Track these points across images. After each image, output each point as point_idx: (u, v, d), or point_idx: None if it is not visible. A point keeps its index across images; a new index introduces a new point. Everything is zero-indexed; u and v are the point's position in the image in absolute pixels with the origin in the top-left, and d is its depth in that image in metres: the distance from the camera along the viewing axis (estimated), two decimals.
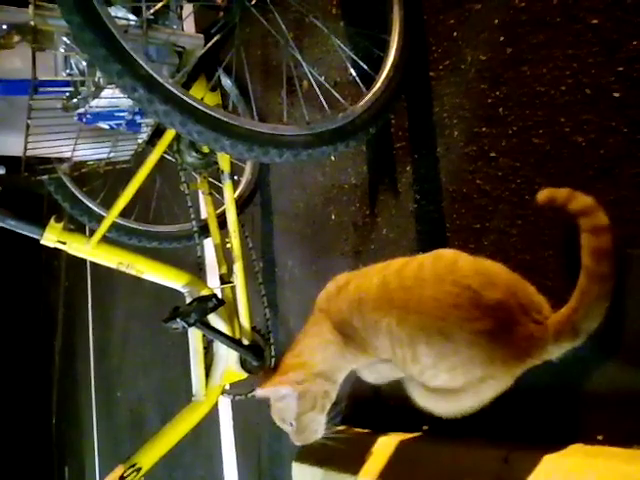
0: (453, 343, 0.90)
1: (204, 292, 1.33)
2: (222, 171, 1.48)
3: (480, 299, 0.90)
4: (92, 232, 1.32)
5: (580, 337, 0.89)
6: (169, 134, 1.36)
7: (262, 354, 1.43)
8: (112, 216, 1.32)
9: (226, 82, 1.66)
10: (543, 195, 0.95)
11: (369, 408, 1.46)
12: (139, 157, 1.54)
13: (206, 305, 1.24)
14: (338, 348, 1.03)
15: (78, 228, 1.37)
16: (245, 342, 1.41)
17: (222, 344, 1.37)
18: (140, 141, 1.47)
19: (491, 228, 1.17)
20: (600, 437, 0.95)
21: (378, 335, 0.98)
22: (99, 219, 1.52)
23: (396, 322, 0.95)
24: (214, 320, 1.35)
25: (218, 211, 1.61)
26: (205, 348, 1.43)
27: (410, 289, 0.96)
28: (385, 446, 1.26)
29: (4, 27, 1.05)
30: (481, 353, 0.89)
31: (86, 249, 1.26)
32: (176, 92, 0.95)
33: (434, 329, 0.91)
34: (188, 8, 1.27)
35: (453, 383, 0.94)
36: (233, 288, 1.44)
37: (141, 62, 0.91)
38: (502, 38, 1.10)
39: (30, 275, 6.61)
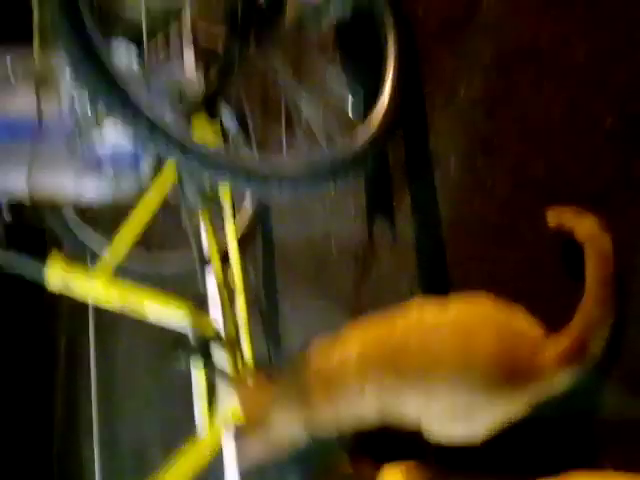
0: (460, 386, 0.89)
1: (206, 325, 1.33)
2: (223, 206, 1.50)
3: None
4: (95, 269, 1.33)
5: (586, 361, 0.87)
6: (171, 170, 1.39)
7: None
8: (115, 253, 1.34)
9: (226, 116, 1.70)
10: (551, 217, 0.96)
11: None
12: (142, 193, 1.56)
13: (208, 341, 1.24)
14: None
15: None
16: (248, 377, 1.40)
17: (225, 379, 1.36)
18: (143, 179, 1.49)
19: (491, 256, 1.18)
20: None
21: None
22: (101, 256, 1.54)
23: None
24: (217, 355, 1.35)
25: (220, 245, 1.62)
26: (209, 384, 1.42)
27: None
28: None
29: (8, 65, 1.07)
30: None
31: (91, 285, 1.26)
32: (177, 129, 0.97)
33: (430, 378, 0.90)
34: (189, 45, 1.31)
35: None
36: (235, 323, 1.44)
37: (142, 100, 0.94)
38: (494, 71, 1.13)
39: (31, 310, 6.59)
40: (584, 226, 0.91)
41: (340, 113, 1.42)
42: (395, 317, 1.03)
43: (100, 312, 4.50)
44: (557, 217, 0.95)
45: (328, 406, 1.01)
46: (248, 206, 1.90)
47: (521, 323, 0.94)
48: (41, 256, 1.34)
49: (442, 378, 0.89)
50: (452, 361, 0.89)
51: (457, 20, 1.20)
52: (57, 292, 1.32)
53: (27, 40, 0.99)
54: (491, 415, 0.90)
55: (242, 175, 1.01)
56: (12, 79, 1.09)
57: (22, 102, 1.11)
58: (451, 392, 0.88)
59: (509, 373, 0.88)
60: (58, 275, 1.24)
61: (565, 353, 0.87)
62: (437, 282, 1.33)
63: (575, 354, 0.87)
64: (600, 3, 0.93)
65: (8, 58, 1.02)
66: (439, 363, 0.90)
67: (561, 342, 0.89)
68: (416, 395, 0.91)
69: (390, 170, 1.44)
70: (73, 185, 1.37)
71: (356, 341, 1.03)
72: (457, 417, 0.91)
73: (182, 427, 2.63)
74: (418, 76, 1.31)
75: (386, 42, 1.29)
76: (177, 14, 1.17)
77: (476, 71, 1.17)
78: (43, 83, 1.04)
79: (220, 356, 1.36)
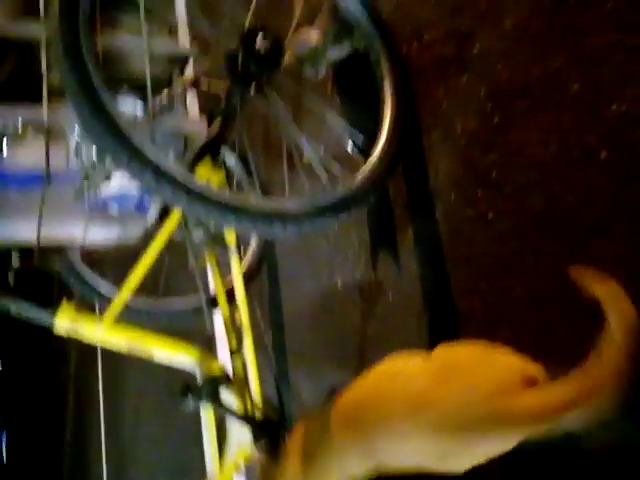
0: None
1: (214, 368, 1.33)
2: (229, 245, 1.52)
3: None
4: (102, 313, 1.34)
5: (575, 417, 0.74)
6: (176, 213, 1.41)
7: (275, 429, 1.41)
8: (123, 296, 1.35)
9: (230, 159, 1.73)
10: (574, 276, 0.84)
11: None
12: (148, 236, 1.58)
13: (216, 381, 1.24)
14: None
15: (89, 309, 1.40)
16: (257, 418, 1.40)
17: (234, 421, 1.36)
18: (149, 221, 1.51)
19: (496, 289, 1.18)
20: None
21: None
22: (110, 300, 1.55)
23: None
24: (225, 396, 1.35)
25: (226, 283, 1.63)
26: (218, 425, 1.41)
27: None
28: None
29: (19, 124, 1.12)
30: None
31: (99, 331, 1.27)
32: (182, 175, 1.00)
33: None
34: (192, 94, 1.35)
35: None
36: (243, 362, 1.44)
37: (148, 149, 0.97)
38: (489, 107, 1.16)
39: (40, 350, 6.57)
40: (606, 292, 0.79)
41: (341, 151, 1.45)
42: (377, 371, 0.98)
43: (109, 352, 4.49)
44: (578, 279, 0.83)
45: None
46: (253, 244, 1.92)
47: (501, 369, 0.83)
48: (49, 300, 1.35)
49: (412, 427, 0.80)
50: (415, 411, 0.81)
51: (451, 59, 1.24)
52: (65, 336, 1.33)
53: (37, 98, 1.02)
54: (470, 457, 0.80)
55: (247, 218, 1.03)
56: (22, 132, 1.13)
57: (32, 154, 1.14)
58: (421, 440, 0.82)
59: (477, 420, 0.77)
60: (66, 321, 1.26)
61: (542, 409, 0.75)
62: (443, 314, 1.34)
63: (555, 412, 0.74)
64: (587, 40, 0.96)
65: (19, 113, 1.05)
66: (411, 412, 0.81)
67: (543, 395, 0.77)
68: (391, 448, 0.86)
69: (392, 205, 1.46)
70: (81, 230, 1.39)
71: (336, 409, 0.98)
72: (440, 458, 0.84)
73: (192, 469, 2.60)
74: (415, 113, 1.35)
75: (382, 81, 1.33)
76: (180, 64, 1.21)
77: (471, 107, 1.20)
78: (52, 136, 1.08)
79: (229, 397, 1.36)
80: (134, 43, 1.09)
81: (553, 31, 1.01)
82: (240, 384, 1.42)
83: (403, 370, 0.92)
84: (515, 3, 1.08)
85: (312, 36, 1.30)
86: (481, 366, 0.85)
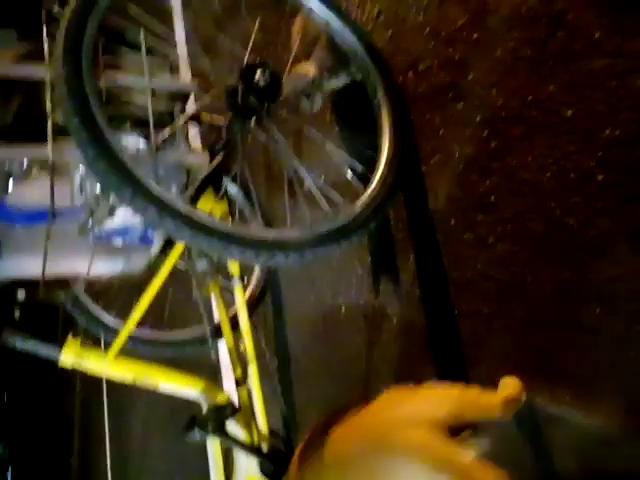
0: None
1: (220, 399, 1.33)
2: (232, 275, 1.53)
3: None
4: (107, 346, 1.35)
5: None
6: (180, 244, 1.43)
7: (283, 459, 1.40)
8: (128, 328, 1.36)
9: (232, 190, 1.75)
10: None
11: None
12: (152, 267, 1.59)
13: (222, 413, 1.24)
14: None
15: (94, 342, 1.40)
16: (264, 448, 1.39)
17: (241, 452, 1.35)
18: (153, 253, 1.53)
19: (498, 312, 1.19)
20: None
21: None
22: (115, 332, 1.55)
23: None
24: (231, 427, 1.34)
25: (231, 313, 1.63)
26: (225, 456, 1.40)
27: None
28: None
29: (25, 162, 1.14)
30: None
31: (104, 364, 1.28)
32: (185, 209, 1.01)
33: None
34: (194, 128, 1.37)
35: None
36: (249, 391, 1.44)
37: (151, 184, 0.98)
38: (485, 133, 1.18)
39: (45, 381, 6.54)
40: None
41: (341, 179, 1.47)
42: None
43: (114, 383, 4.47)
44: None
45: None
46: (257, 272, 1.93)
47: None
48: (55, 331, 1.36)
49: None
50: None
51: (446, 87, 1.26)
52: (70, 369, 1.33)
53: (42, 136, 1.05)
54: None
55: (249, 249, 1.04)
56: (28, 170, 1.15)
57: (37, 191, 1.16)
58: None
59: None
60: (71, 356, 1.26)
61: None
62: (446, 338, 1.34)
63: None
64: (578, 67, 0.98)
65: (24, 153, 1.08)
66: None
67: None
68: None
69: (393, 231, 1.47)
70: (85, 264, 1.41)
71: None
72: None
73: None
74: (413, 140, 1.37)
75: (380, 110, 1.35)
76: (182, 100, 1.24)
77: (468, 133, 1.22)
78: (57, 173, 1.10)
79: (235, 428, 1.35)
80: (137, 81, 1.12)
81: (544, 58, 1.04)
82: (246, 414, 1.41)
83: None
84: (506, 32, 1.10)
85: (309, 71, 1.33)
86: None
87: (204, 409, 1.32)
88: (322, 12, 1.36)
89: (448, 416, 0.59)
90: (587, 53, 0.95)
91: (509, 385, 0.61)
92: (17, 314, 1.50)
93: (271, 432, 1.44)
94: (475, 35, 1.16)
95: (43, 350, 1.28)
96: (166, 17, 1.44)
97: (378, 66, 1.34)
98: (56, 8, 1.11)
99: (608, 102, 0.94)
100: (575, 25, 0.98)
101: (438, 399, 0.63)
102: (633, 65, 0.90)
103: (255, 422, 1.41)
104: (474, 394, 0.58)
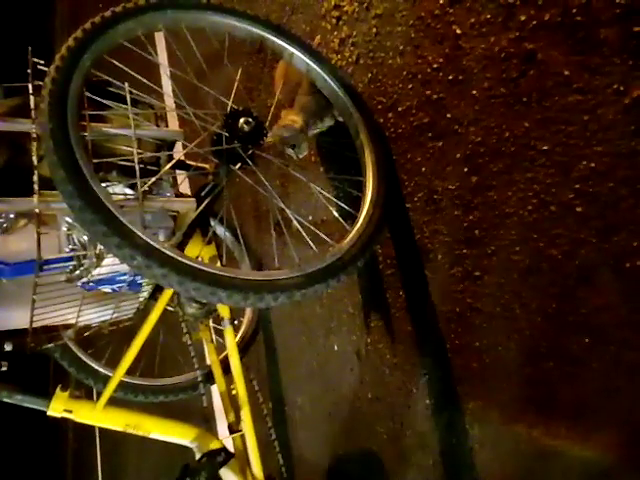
0: None
1: (213, 445, 1.31)
2: (222, 318, 1.52)
3: None
4: (99, 394, 1.33)
5: None
6: (169, 290, 1.42)
7: None
8: (117, 377, 1.34)
9: (220, 232, 1.76)
10: None
11: None
12: (141, 313, 1.58)
13: (215, 460, 1.22)
14: None
15: (85, 391, 1.38)
16: None
17: None
18: (141, 299, 1.52)
19: (489, 345, 1.19)
20: None
21: None
22: (105, 380, 1.53)
23: None
24: (226, 474, 1.31)
25: (222, 356, 1.62)
26: None
27: None
28: None
29: (11, 215, 1.14)
30: None
31: (93, 415, 1.26)
32: (172, 255, 1.01)
33: None
34: (180, 174, 1.39)
35: None
36: (243, 437, 1.41)
37: (138, 232, 0.99)
38: (466, 169, 1.20)
39: (37, 436, 6.37)
40: None
41: (327, 219, 1.49)
42: None
43: (107, 430, 4.36)
44: None
45: None
46: (248, 314, 1.92)
47: None
48: (44, 378, 1.33)
49: None
50: None
51: (425, 126, 1.29)
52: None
53: (29, 189, 1.06)
54: None
55: (237, 292, 1.04)
56: (14, 222, 1.16)
57: (24, 242, 1.16)
58: None
59: None
60: (59, 408, 1.24)
61: None
62: (439, 372, 1.33)
63: None
64: (550, 103, 1.01)
65: (11, 205, 1.08)
66: None
67: None
68: None
69: (381, 268, 1.48)
70: (74, 312, 1.39)
71: None
72: None
73: None
74: (397, 178, 1.39)
75: (363, 150, 1.37)
76: (168, 146, 1.26)
77: (449, 170, 1.25)
78: (43, 224, 1.10)
79: (229, 474, 1.33)
80: (123, 132, 1.14)
81: (518, 96, 1.07)
82: (241, 460, 1.38)
83: None
84: (481, 72, 1.14)
85: (295, 121, 1.36)
86: None
87: (197, 456, 1.29)
88: (303, 57, 1.40)
89: None
90: (559, 90, 0.99)
91: None
92: (4, 366, 1.48)
93: (267, 478, 1.41)
94: (451, 76, 1.20)
95: (30, 403, 1.26)
96: (151, 68, 1.48)
97: (359, 108, 1.37)
98: (42, 63, 1.13)
99: (582, 136, 0.97)
100: (545, 64, 1.01)
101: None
102: (602, 100, 0.93)
103: (250, 468, 1.39)
104: None
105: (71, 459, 5.81)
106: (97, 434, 4.58)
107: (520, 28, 1.05)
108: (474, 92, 1.16)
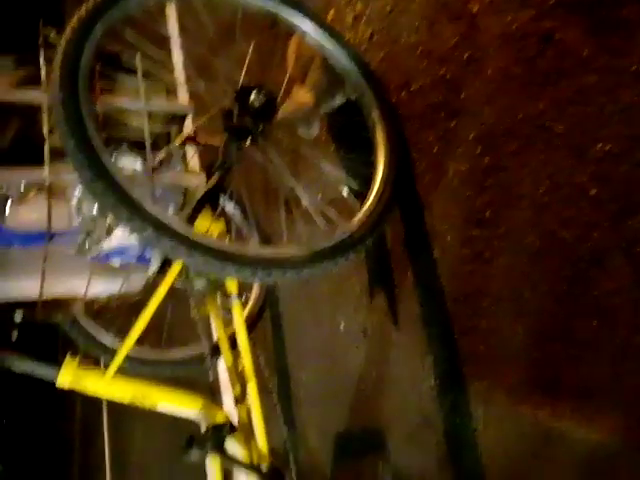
0: None
1: (219, 418, 1.32)
2: (230, 293, 1.53)
3: None
4: (107, 367, 1.34)
5: None
6: (178, 263, 1.43)
7: (282, 478, 1.38)
8: (126, 348, 1.35)
9: (229, 208, 1.76)
10: None
11: None
12: (150, 286, 1.59)
13: (221, 432, 1.23)
14: None
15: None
16: (264, 467, 1.37)
17: (241, 472, 1.33)
18: (150, 272, 1.53)
19: (496, 326, 1.19)
20: None
21: None
22: (113, 353, 1.55)
23: None
24: (231, 446, 1.33)
25: (229, 331, 1.63)
26: (225, 475, 1.39)
27: None
28: None
29: (22, 185, 1.15)
30: None
31: (102, 384, 1.27)
32: (181, 228, 1.02)
33: None
34: (190, 148, 1.39)
35: None
36: (248, 410, 1.43)
37: (148, 205, 0.99)
38: (479, 149, 1.19)
39: (45, 399, 6.48)
40: None
41: (337, 197, 1.48)
42: None
43: (114, 405, 4.43)
44: None
45: None
46: (256, 290, 1.93)
47: None
48: (53, 351, 1.35)
49: None
50: None
51: (439, 105, 1.28)
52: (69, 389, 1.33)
53: (40, 159, 1.06)
54: None
55: (246, 267, 1.05)
56: (25, 192, 1.16)
57: (34, 212, 1.17)
58: None
59: None
60: (69, 376, 1.26)
61: None
62: (446, 354, 1.33)
63: None
64: (568, 83, 1.00)
65: (22, 175, 1.09)
66: None
67: None
68: None
69: (390, 247, 1.48)
70: (83, 284, 1.41)
71: None
72: None
73: None
74: (408, 158, 1.38)
75: (375, 128, 1.36)
76: (178, 121, 1.25)
77: (462, 150, 1.24)
78: (54, 194, 1.11)
79: (235, 447, 1.34)
80: (133, 104, 1.14)
81: (535, 76, 1.05)
82: (246, 433, 1.40)
83: None
84: (497, 51, 1.12)
85: (306, 98, 1.35)
86: None
87: (202, 428, 1.31)
88: (316, 34, 1.38)
89: None
90: (576, 70, 0.97)
91: None
92: (14, 335, 1.50)
93: (271, 451, 1.43)
94: (466, 54, 1.18)
95: (40, 371, 1.27)
96: (162, 41, 1.46)
97: (372, 86, 1.36)
98: (53, 34, 1.13)
99: (598, 118, 0.96)
100: (564, 44, 0.99)
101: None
102: (621, 81, 0.91)
103: (254, 441, 1.40)
104: None
105: (78, 435, 5.91)
106: (104, 409, 4.66)
107: (538, 6, 1.03)
108: (489, 71, 1.14)
